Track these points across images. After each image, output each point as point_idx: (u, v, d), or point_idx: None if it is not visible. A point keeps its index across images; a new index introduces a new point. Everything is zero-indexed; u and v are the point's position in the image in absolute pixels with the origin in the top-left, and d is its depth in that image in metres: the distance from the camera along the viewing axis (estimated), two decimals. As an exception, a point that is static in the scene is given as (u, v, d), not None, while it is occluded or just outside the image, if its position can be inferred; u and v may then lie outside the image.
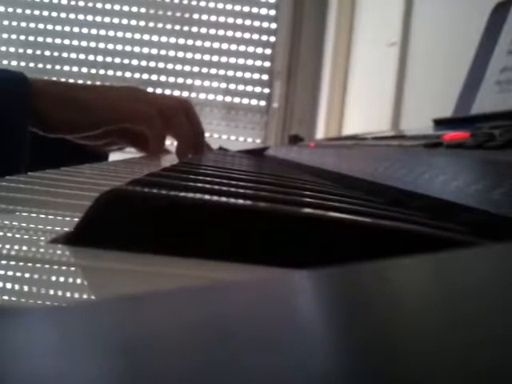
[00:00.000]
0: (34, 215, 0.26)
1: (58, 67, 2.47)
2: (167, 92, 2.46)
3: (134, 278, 0.17)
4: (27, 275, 0.17)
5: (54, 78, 2.37)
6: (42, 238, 0.20)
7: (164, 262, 0.18)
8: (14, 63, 2.46)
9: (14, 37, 2.47)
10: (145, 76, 2.47)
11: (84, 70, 2.47)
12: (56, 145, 0.73)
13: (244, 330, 0.08)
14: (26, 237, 0.21)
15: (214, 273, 0.18)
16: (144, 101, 0.77)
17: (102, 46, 2.47)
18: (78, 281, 0.17)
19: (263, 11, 2.47)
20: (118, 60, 2.47)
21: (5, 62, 2.46)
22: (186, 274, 0.18)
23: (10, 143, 0.65)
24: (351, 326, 0.08)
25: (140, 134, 0.79)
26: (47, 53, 2.47)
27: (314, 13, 2.38)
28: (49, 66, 2.47)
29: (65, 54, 2.47)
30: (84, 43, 2.47)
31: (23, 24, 2.47)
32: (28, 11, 2.46)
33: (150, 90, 2.46)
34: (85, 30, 2.47)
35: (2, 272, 0.17)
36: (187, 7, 2.47)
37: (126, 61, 2.47)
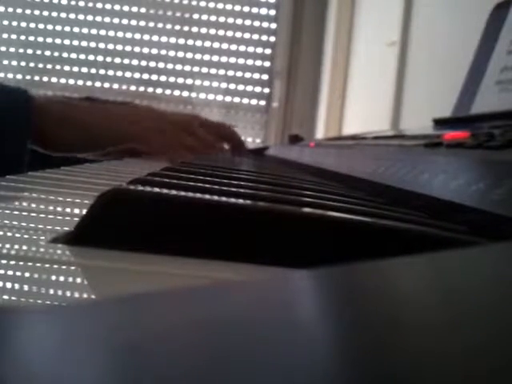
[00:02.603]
0: (34, 215, 0.26)
1: (58, 67, 2.47)
2: (167, 92, 2.46)
3: (134, 277, 0.17)
4: (27, 275, 0.17)
5: (55, 79, 2.37)
6: (43, 238, 0.20)
7: (164, 261, 0.18)
8: (14, 63, 2.46)
9: (14, 37, 2.47)
10: (145, 76, 2.47)
11: (84, 69, 2.47)
12: (58, 161, 0.74)
13: (244, 329, 0.08)
14: (26, 236, 0.21)
15: (214, 273, 0.18)
16: (147, 118, 0.78)
17: (102, 45, 2.47)
18: (79, 280, 0.17)
19: (263, 11, 2.47)
20: (118, 60, 2.47)
21: (5, 61, 2.46)
22: (186, 274, 0.18)
23: (10, 159, 0.65)
24: (351, 325, 0.08)
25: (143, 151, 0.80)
26: (47, 53, 2.47)
27: (313, 13, 2.38)
28: (49, 66, 2.47)
29: (65, 54, 2.47)
30: (84, 43, 2.47)
31: (23, 24, 2.47)
32: (28, 11, 2.46)
33: (150, 90, 2.45)
34: (85, 30, 2.47)
35: (2, 271, 0.17)
36: (187, 7, 2.47)
37: (126, 61, 2.47)
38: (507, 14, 0.69)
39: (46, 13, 2.47)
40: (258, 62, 2.47)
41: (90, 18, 2.47)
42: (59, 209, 0.27)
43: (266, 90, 2.48)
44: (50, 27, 2.47)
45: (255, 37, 2.47)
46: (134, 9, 2.47)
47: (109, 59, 2.47)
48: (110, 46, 2.47)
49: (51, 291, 0.15)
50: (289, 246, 0.20)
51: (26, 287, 0.15)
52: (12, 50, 2.47)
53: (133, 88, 2.46)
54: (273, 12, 2.47)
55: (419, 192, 0.32)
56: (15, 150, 0.66)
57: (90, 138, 0.73)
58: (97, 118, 0.74)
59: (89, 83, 2.45)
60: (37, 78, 2.43)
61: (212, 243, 0.19)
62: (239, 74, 2.48)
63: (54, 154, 0.73)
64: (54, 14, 2.47)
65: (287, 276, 0.13)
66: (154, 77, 2.47)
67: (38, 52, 2.47)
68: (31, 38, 2.47)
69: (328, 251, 0.20)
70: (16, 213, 0.26)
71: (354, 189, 0.43)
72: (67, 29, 2.47)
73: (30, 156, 0.68)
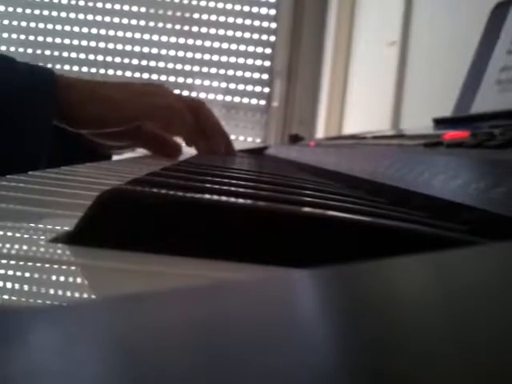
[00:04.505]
0: (34, 215, 0.26)
1: (58, 66, 2.46)
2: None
3: (134, 277, 0.17)
4: (27, 274, 0.17)
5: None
6: (42, 238, 0.20)
7: (164, 261, 0.18)
8: (14, 63, 2.46)
9: (14, 36, 2.47)
10: (145, 75, 2.47)
11: (84, 69, 2.47)
12: (59, 143, 0.73)
13: (244, 329, 0.08)
14: (26, 236, 0.21)
15: (214, 273, 0.18)
16: (169, 95, 0.78)
17: (102, 45, 2.47)
18: (78, 280, 0.17)
19: (263, 11, 2.47)
20: (118, 59, 2.47)
21: (5, 61, 2.45)
22: (186, 273, 0.18)
23: (35, 138, 0.65)
24: (351, 325, 0.08)
25: (160, 137, 0.80)
26: (47, 52, 2.47)
27: (313, 13, 2.38)
28: (49, 66, 2.46)
29: (65, 54, 2.47)
30: (84, 43, 2.47)
31: (23, 23, 2.47)
32: (28, 11, 2.46)
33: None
34: (85, 30, 2.47)
35: (2, 271, 0.17)
36: (187, 7, 2.47)
37: (126, 60, 2.47)
38: (507, 14, 0.69)
39: (46, 12, 2.47)
40: (258, 62, 2.47)
41: (90, 17, 2.47)
42: (59, 209, 0.27)
43: (266, 90, 2.48)
44: (50, 27, 2.47)
45: (255, 36, 2.47)
46: (134, 8, 2.47)
47: (109, 59, 2.47)
48: (111, 46, 2.47)
49: (51, 291, 0.15)
50: (289, 246, 0.20)
51: (26, 287, 0.15)
52: (12, 49, 2.47)
53: (133, 87, 2.46)
54: (273, 11, 2.47)
55: (419, 191, 0.32)
56: (40, 127, 0.66)
57: (118, 114, 0.72)
58: (124, 94, 0.73)
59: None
60: (37, 77, 2.43)
61: (212, 243, 0.19)
62: (239, 73, 2.48)
63: (77, 131, 0.72)
64: (55, 13, 2.47)
65: (287, 276, 0.13)
66: (154, 76, 2.47)
67: (38, 52, 2.47)
68: (31, 38, 2.47)
69: (328, 251, 0.20)
70: (16, 213, 0.26)
71: (354, 188, 0.43)
72: (67, 28, 2.47)
73: (54, 133, 0.67)
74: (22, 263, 0.17)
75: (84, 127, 0.73)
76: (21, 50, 2.47)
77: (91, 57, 2.47)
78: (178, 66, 2.48)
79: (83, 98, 0.70)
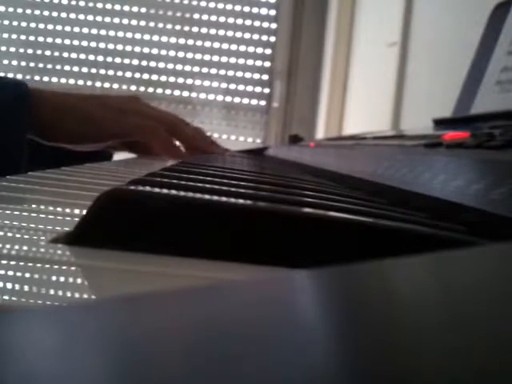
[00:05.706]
0: (34, 215, 0.26)
1: (58, 67, 2.47)
2: (167, 92, 2.46)
3: (134, 278, 0.17)
4: (27, 275, 0.17)
5: (55, 79, 2.38)
6: (43, 238, 0.20)
7: (164, 262, 0.18)
8: (15, 63, 2.46)
9: (14, 36, 2.47)
10: (145, 76, 2.47)
11: (84, 69, 2.47)
12: (58, 148, 0.73)
13: (244, 330, 0.08)
14: (26, 236, 0.21)
15: (214, 273, 0.18)
16: (146, 114, 0.78)
17: (102, 45, 2.47)
18: (79, 280, 0.17)
19: (263, 11, 2.47)
20: (118, 60, 2.47)
21: (5, 61, 2.46)
22: (186, 274, 0.18)
23: (7, 151, 0.65)
24: (351, 325, 0.08)
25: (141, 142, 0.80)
26: (47, 52, 2.47)
27: (313, 13, 2.38)
28: (49, 66, 2.47)
29: (65, 54, 2.47)
30: (84, 43, 2.47)
31: (24, 24, 2.47)
32: (28, 11, 2.46)
33: (150, 90, 2.45)
34: (85, 30, 2.47)
35: (2, 272, 0.17)
36: (187, 7, 2.47)
37: (126, 61, 2.47)
38: (507, 14, 0.69)
39: (46, 13, 2.47)
40: (258, 62, 2.47)
41: (90, 17, 2.47)
42: (59, 209, 0.27)
43: (267, 90, 2.48)
44: (50, 27, 2.47)
45: (255, 37, 2.47)
46: (135, 9, 2.47)
47: (109, 59, 2.47)
48: (111, 46, 2.47)
49: (51, 291, 0.15)
50: (289, 247, 0.20)
51: (26, 287, 0.15)
52: (12, 49, 2.47)
53: (133, 88, 2.46)
54: (273, 12, 2.47)
55: (419, 192, 0.32)
56: (14, 140, 0.65)
57: (92, 131, 0.72)
58: (98, 110, 0.73)
59: (89, 83, 2.45)
60: (37, 77, 2.43)
61: (212, 243, 0.19)
62: (239, 74, 2.48)
63: (53, 145, 0.72)
64: (55, 13, 2.47)
65: (287, 276, 0.13)
66: (154, 77, 2.47)
67: (38, 52, 2.47)
68: (31, 38, 2.47)
69: (328, 251, 0.20)
70: (16, 213, 0.26)
71: (354, 189, 0.43)
72: (67, 29, 2.47)
73: (30, 147, 0.67)
74: (22, 264, 0.17)
75: (62, 142, 0.73)
76: (21, 50, 2.47)
77: (91, 57, 2.47)
78: (178, 67, 2.48)
79: (57, 112, 0.70)
